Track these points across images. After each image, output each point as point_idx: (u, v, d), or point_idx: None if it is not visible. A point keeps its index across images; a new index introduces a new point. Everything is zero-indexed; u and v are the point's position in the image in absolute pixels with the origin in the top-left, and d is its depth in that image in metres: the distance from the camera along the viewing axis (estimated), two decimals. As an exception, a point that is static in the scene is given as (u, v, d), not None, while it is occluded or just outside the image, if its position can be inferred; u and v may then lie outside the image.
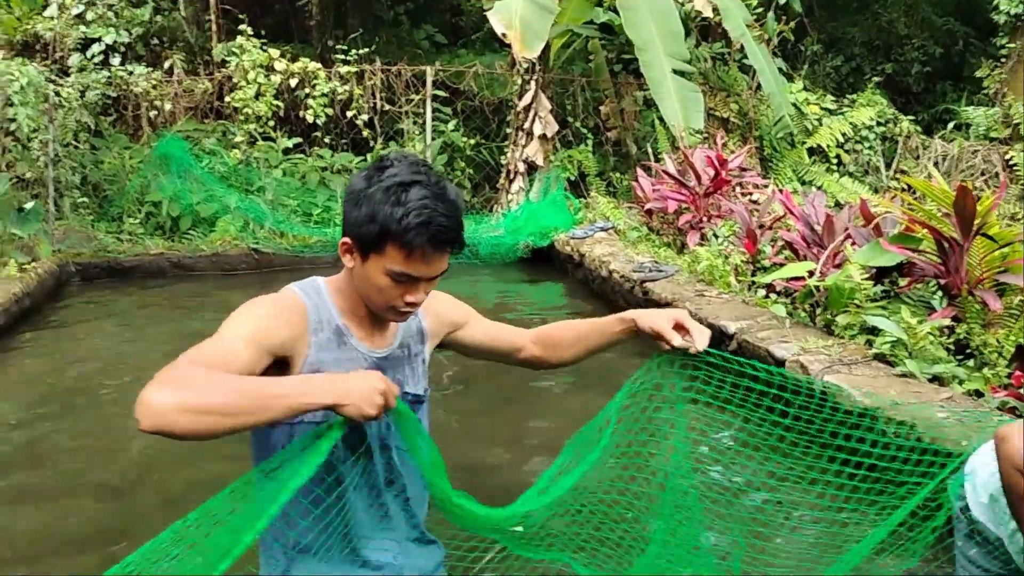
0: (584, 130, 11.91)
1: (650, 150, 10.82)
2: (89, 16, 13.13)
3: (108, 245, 9.76)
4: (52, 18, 13.33)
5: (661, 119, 10.23)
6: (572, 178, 11.20)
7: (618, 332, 2.18)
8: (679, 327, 2.06)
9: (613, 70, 12.21)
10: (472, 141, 11.83)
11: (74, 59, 12.55)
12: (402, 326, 2.01)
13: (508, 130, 11.33)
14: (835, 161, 12.12)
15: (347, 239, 1.82)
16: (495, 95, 12.13)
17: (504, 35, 8.79)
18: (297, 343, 1.79)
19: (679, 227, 8.16)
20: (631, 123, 11.86)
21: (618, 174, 11.54)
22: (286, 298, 1.87)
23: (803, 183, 11.38)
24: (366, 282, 1.81)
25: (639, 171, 9.20)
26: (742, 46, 10.54)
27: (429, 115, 11.26)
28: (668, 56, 9.23)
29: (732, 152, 9.28)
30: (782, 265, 6.10)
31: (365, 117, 11.35)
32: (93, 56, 12.51)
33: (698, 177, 7.99)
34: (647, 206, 8.66)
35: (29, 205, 9.06)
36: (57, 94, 9.98)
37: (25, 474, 4.64)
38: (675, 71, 9.24)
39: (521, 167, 10.96)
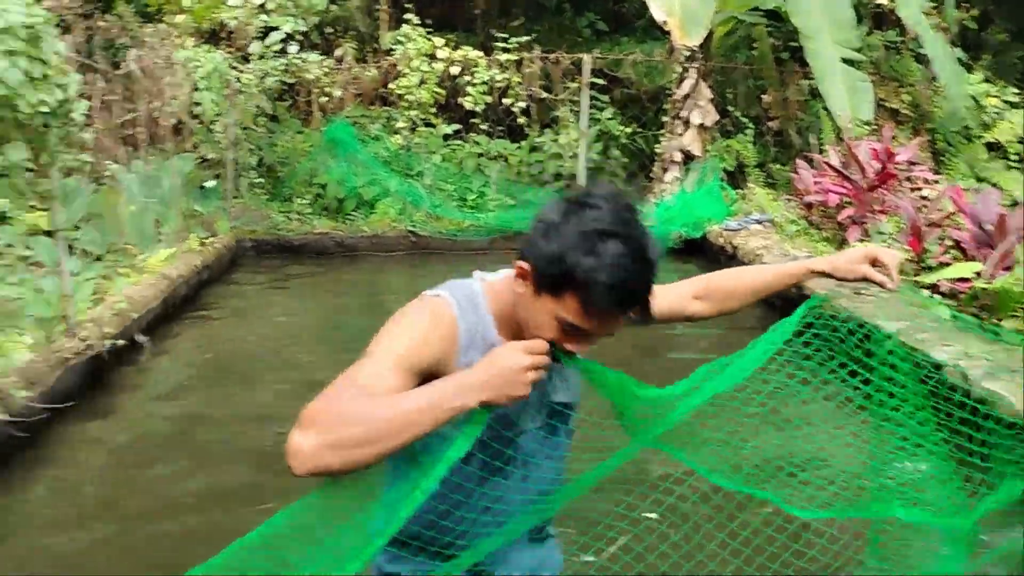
0: (745, 120, 11.63)
1: (814, 141, 10.46)
2: (270, 6, 13.92)
3: (279, 223, 10.38)
4: (236, 7, 14.23)
5: (827, 109, 9.87)
6: (729, 169, 10.98)
7: (796, 282, 2.05)
8: (875, 262, 1.96)
9: (779, 58, 11.86)
10: (628, 129, 11.79)
11: (255, 47, 13.33)
12: None
13: (665, 119, 11.21)
14: (1016, 158, 11.31)
15: (525, 265, 1.62)
16: (653, 83, 12.02)
17: (664, 22, 8.72)
18: (445, 363, 1.64)
19: (840, 222, 7.87)
20: (794, 113, 11.48)
21: (778, 165, 11.21)
22: (440, 312, 1.70)
23: (979, 180, 10.68)
24: (529, 315, 1.63)
25: (800, 163, 8.93)
26: (917, 35, 9.99)
27: (586, 103, 11.30)
28: (836, 44, 8.89)
29: (901, 145, 8.84)
30: (948, 265, 5.80)
31: (522, 105, 11.51)
32: (272, 44, 13.25)
33: (863, 170, 7.67)
34: (807, 199, 8.40)
35: (210, 184, 9.74)
36: (238, 80, 10.63)
37: (197, 430, 5.05)
38: (844, 60, 8.88)
39: (677, 156, 10.83)
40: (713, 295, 2.11)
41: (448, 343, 1.66)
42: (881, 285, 1.94)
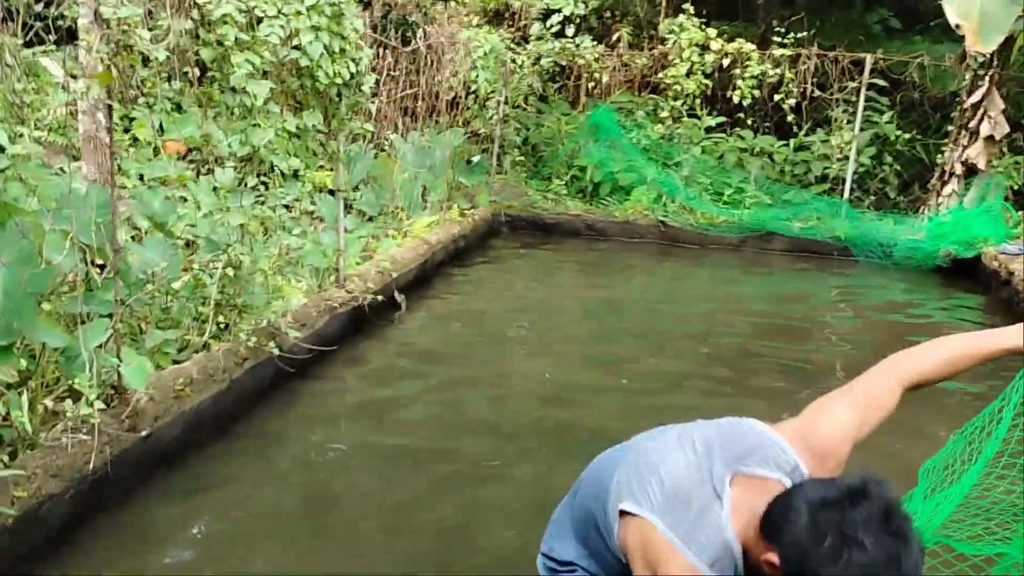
0: (1039, 135, 10.56)
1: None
2: (553, -12, 14.40)
3: (535, 202, 10.78)
4: (520, -10, 14.82)
5: None
6: (1016, 187, 10.02)
7: (1006, 352, 1.93)
8: None
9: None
10: (907, 136, 11.06)
11: (535, 28, 13.86)
12: None
13: (950, 128, 10.41)
14: None
15: (777, 558, 1.55)
16: (941, 89, 11.17)
17: (957, 26, 8.10)
18: None
19: None
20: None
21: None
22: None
23: None
24: None
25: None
26: None
27: (862, 105, 10.73)
28: None
29: None
30: None
31: (792, 102, 11.12)
32: (552, 26, 13.71)
33: None
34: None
35: (476, 159, 10.29)
36: (513, 61, 11.09)
37: (437, 386, 5.45)
38: None
39: (958, 169, 10.04)
40: (918, 382, 1.96)
41: None
42: None
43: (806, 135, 11.30)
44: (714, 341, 6.63)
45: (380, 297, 6.43)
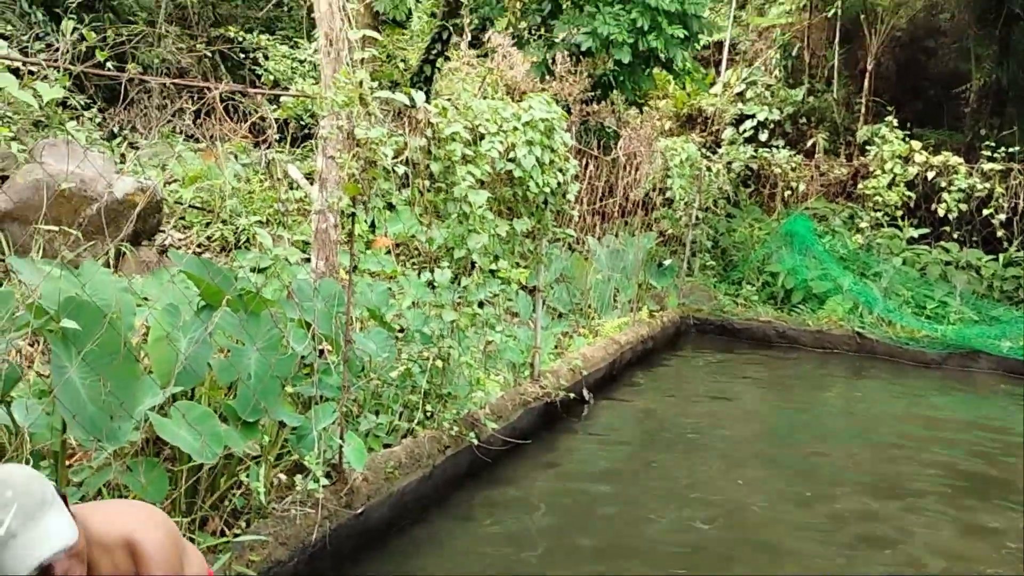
0: None
1: None
2: (748, 95, 14.59)
3: (725, 306, 10.78)
4: (716, 95, 15.11)
5: None
6: None
7: None
8: None
9: None
10: None
11: (727, 132, 14.06)
12: None
13: None
14: None
15: None
16: None
17: None
18: None
19: None
20: None
21: None
22: None
23: None
24: None
25: None
26: None
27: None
28: None
29: None
30: None
31: (1003, 217, 10.64)
32: (745, 131, 13.87)
33: None
34: None
35: (668, 262, 10.46)
36: (708, 168, 11.28)
37: (615, 487, 5.55)
38: None
39: None
40: None
41: None
42: None
43: (1017, 251, 10.75)
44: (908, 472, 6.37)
45: (571, 394, 6.66)
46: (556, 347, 7.52)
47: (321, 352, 4.56)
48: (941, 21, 15.09)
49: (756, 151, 12.67)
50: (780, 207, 12.21)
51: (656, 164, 9.88)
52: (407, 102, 4.44)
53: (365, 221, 7.78)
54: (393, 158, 4.35)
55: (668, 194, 10.35)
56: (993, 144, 10.98)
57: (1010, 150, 10.88)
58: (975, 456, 6.68)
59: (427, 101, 4.83)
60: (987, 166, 10.70)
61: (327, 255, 5.55)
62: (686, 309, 10.58)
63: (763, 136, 13.57)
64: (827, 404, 8.36)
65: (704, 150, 12.66)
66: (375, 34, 5.41)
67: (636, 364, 8.59)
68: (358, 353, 4.99)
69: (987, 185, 10.66)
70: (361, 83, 4.05)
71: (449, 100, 5.39)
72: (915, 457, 6.53)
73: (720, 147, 13.45)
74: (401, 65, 12.58)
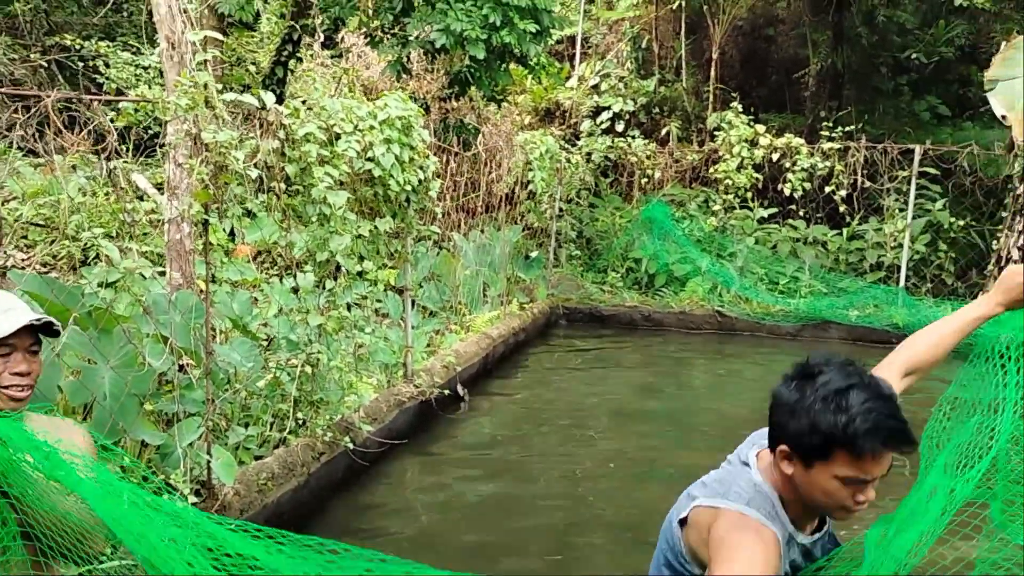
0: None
1: None
2: (603, 87, 14.93)
3: (592, 294, 11.01)
4: (571, 89, 15.39)
5: None
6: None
7: (982, 318, 2.10)
8: None
9: None
10: (961, 222, 11.12)
11: (585, 125, 14.35)
12: None
13: (1003, 213, 10.47)
14: None
15: (785, 447, 1.82)
16: (993, 175, 11.26)
17: (1003, 117, 8.27)
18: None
19: None
20: None
21: None
22: (767, 541, 1.80)
23: None
24: (812, 487, 1.80)
25: None
26: None
27: (913, 194, 10.86)
28: None
29: None
30: None
31: (843, 193, 11.29)
32: (601, 123, 14.19)
33: None
34: None
35: (534, 254, 10.59)
36: (567, 160, 11.48)
37: (495, 479, 5.60)
38: None
39: (1015, 254, 10.05)
40: (920, 368, 2.13)
41: (777, 564, 1.80)
42: None
43: (859, 224, 11.43)
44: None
45: (446, 391, 6.65)
46: (429, 345, 7.50)
47: (182, 367, 4.39)
48: (779, 10, 15.87)
49: (613, 142, 12.98)
50: (638, 195, 12.56)
51: (517, 158, 9.97)
52: (256, 104, 4.34)
53: (224, 230, 7.56)
54: (246, 162, 4.24)
55: (530, 187, 10.47)
56: (831, 125, 11.62)
57: (847, 129, 11.55)
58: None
59: (280, 103, 4.73)
60: (826, 145, 11.32)
61: (182, 266, 5.34)
62: (555, 299, 10.75)
63: (620, 127, 13.93)
64: (692, 381, 8.68)
65: (563, 143, 12.88)
66: (217, 35, 5.25)
67: (509, 357, 8.66)
68: (221, 365, 4.84)
69: (827, 164, 11.28)
70: (205, 85, 3.92)
71: (303, 101, 5.29)
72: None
73: (579, 139, 13.72)
74: (252, 68, 12.26)
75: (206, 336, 4.15)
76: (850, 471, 1.73)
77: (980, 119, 14.14)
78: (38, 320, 1.98)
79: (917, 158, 10.82)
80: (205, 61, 4.10)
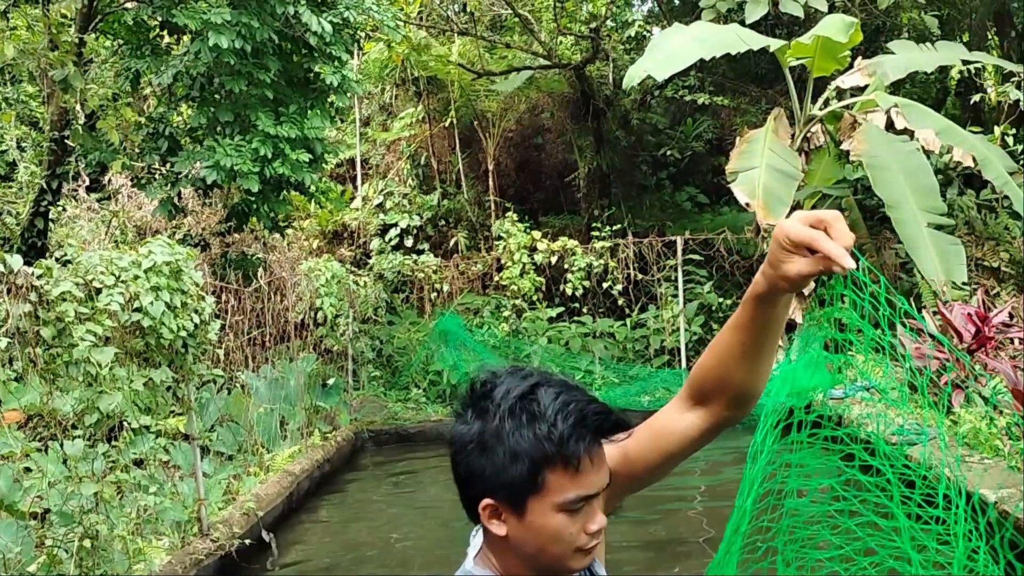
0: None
1: (911, 305, 10.44)
2: (388, 205, 15.20)
3: (397, 412, 10.94)
4: (357, 209, 15.56)
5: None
6: (831, 336, 11.01)
7: (755, 311, 1.47)
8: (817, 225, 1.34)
9: (870, 225, 12.04)
10: (729, 301, 12.04)
11: (375, 243, 14.51)
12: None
13: (761, 290, 11.44)
14: None
15: (487, 500, 1.41)
16: (749, 255, 12.34)
17: (747, 204, 9.12)
18: None
19: (943, 385, 7.79)
20: (893, 277, 11.52)
21: (880, 331, 11.15)
22: None
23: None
24: (534, 537, 1.40)
25: (900, 329, 8.93)
26: (1007, 194, 10.05)
27: (680, 280, 11.70)
28: (923, 211, 9.03)
29: (1005, 302, 8.77)
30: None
31: (620, 287, 11.98)
32: (391, 239, 14.39)
33: (959, 335, 7.66)
34: (908, 364, 8.36)
35: (332, 381, 10.43)
36: (355, 283, 11.52)
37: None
38: (931, 225, 9.01)
39: (779, 326, 10.96)
40: (709, 389, 1.57)
41: None
42: (829, 268, 1.31)
43: (639, 313, 12.11)
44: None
45: (248, 540, 6.33)
46: (226, 493, 7.14)
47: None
48: (544, 120, 16.88)
49: (402, 258, 13.18)
50: (431, 308, 12.75)
51: (304, 286, 9.89)
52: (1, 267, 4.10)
53: (-13, 398, 6.97)
54: (-8, 332, 3.97)
55: (319, 313, 10.40)
56: (602, 223, 12.37)
57: (616, 228, 12.33)
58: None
59: (43, 254, 4.49)
60: (598, 244, 12.02)
61: (-67, 448, 4.88)
62: (359, 424, 10.58)
63: (409, 242, 14.19)
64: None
65: (353, 264, 12.94)
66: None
67: (316, 491, 8.39)
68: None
69: (601, 261, 11.96)
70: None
71: (56, 259, 5.05)
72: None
73: (370, 258, 13.83)
74: (10, 220, 11.57)
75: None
76: (571, 491, 1.36)
77: (735, 204, 15.48)
78: None
79: (680, 247, 11.69)
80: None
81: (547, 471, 1.36)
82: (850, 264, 1.29)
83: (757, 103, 15.08)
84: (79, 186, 11.56)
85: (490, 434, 1.39)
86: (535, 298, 12.10)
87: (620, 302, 12.05)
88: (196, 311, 5.98)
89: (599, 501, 1.41)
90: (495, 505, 1.41)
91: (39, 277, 4.48)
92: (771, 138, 9.78)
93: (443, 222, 15.27)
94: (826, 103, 10.89)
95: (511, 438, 1.37)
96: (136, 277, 5.31)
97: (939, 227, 9.12)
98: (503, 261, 12.33)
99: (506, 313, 12.05)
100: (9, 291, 4.34)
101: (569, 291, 11.86)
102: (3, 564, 4.53)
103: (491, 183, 15.01)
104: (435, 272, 12.78)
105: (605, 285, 12.00)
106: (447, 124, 15.49)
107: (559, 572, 1.44)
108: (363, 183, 16.07)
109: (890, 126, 10.02)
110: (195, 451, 6.39)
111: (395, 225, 14.64)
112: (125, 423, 6.34)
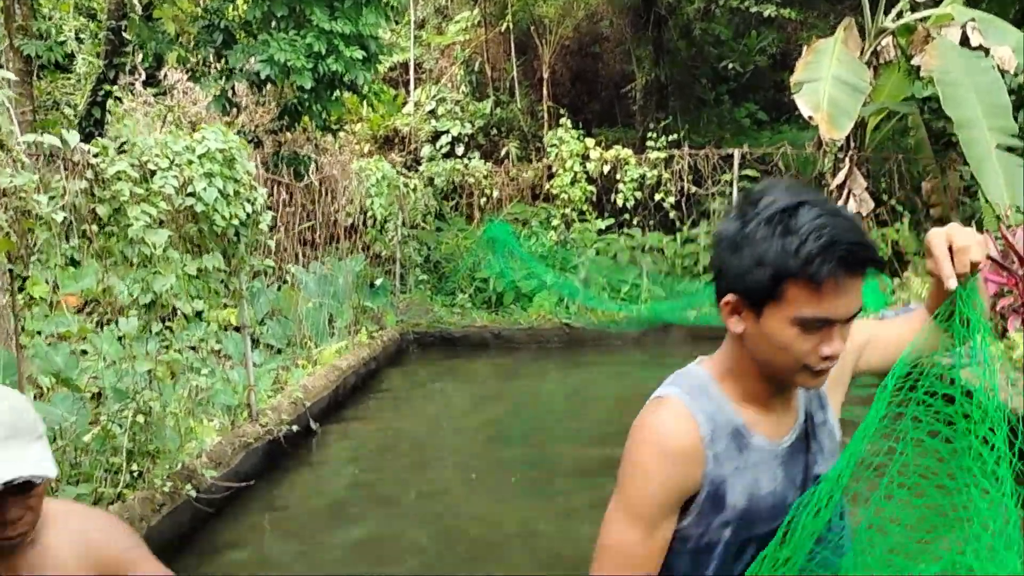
0: (900, 208, 11.42)
1: (975, 228, 10.17)
2: (440, 112, 15.04)
3: (442, 317, 11.02)
4: (409, 115, 15.43)
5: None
6: (885, 258, 10.79)
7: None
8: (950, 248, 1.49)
9: (936, 146, 11.64)
10: (782, 219, 11.79)
11: (425, 150, 14.42)
12: (802, 395, 1.60)
13: (820, 208, 11.19)
14: None
15: (730, 296, 1.47)
16: (808, 173, 12.03)
17: (810, 118, 8.83)
18: (695, 475, 1.49)
19: (999, 311, 7.61)
20: (955, 200, 11.18)
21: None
22: (676, 425, 1.51)
23: None
24: (766, 343, 1.45)
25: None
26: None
27: (735, 196, 11.47)
28: (993, 131, 8.67)
29: (1072, 230, 8.45)
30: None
31: (672, 200, 11.79)
32: (441, 147, 14.28)
33: (1021, 260, 7.43)
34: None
35: (379, 281, 10.52)
36: (406, 185, 11.50)
37: (357, 508, 5.51)
38: (1000, 146, 8.65)
39: (833, 246, 10.75)
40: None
41: (693, 455, 1.50)
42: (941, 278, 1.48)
43: (691, 228, 11.95)
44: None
45: (295, 427, 6.49)
46: (275, 383, 7.30)
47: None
48: (603, 28, 16.47)
49: (453, 165, 13.10)
50: (480, 215, 12.71)
51: (354, 187, 9.90)
52: (58, 143, 4.13)
53: (45, 281, 7.14)
54: (51, 205, 4.02)
55: (371, 214, 10.43)
56: (656, 136, 12.12)
57: (672, 139, 12.08)
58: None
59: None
60: (652, 155, 11.80)
61: (-4, 322, 5.03)
62: (405, 325, 10.70)
63: (460, 150, 14.06)
64: (546, 394, 8.81)
65: (404, 169, 12.89)
66: (10, 75, 4.96)
67: (361, 387, 8.54)
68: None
69: (655, 172, 11.76)
70: (-3, 128, 3.71)
71: (113, 139, 5.08)
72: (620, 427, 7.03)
73: (421, 164, 13.77)
74: (69, 111, 11.69)
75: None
76: (809, 309, 1.38)
77: (795, 122, 15.08)
78: (11, 482, 1.56)
79: (737, 161, 11.43)
80: (-4, 102, 3.87)
81: (788, 283, 1.39)
82: (951, 284, 1.47)
83: (825, 17, 14.51)
84: (135, 80, 11.60)
85: (743, 236, 1.44)
86: (585, 209, 11.98)
87: (671, 215, 11.88)
88: (248, 200, 6.00)
89: (842, 329, 1.42)
90: (735, 302, 1.48)
91: (95, 155, 4.52)
92: (840, 49, 9.40)
93: (495, 131, 15.08)
94: (899, 15, 10.42)
95: (761, 244, 1.41)
96: (190, 162, 5.33)
97: (1009, 149, 8.77)
98: (555, 169, 12.18)
99: (555, 222, 11.96)
100: (66, 167, 4.38)
101: (620, 202, 11.72)
102: (60, 432, 4.69)
103: (545, 92, 14.75)
104: (485, 178, 12.69)
105: (657, 197, 11.83)
106: (503, 29, 15.17)
107: (787, 382, 1.52)
108: (416, 88, 15.89)
109: (965, 42, 9.54)
110: (246, 340, 6.51)
111: (446, 132, 14.48)
112: (179, 309, 6.47)
